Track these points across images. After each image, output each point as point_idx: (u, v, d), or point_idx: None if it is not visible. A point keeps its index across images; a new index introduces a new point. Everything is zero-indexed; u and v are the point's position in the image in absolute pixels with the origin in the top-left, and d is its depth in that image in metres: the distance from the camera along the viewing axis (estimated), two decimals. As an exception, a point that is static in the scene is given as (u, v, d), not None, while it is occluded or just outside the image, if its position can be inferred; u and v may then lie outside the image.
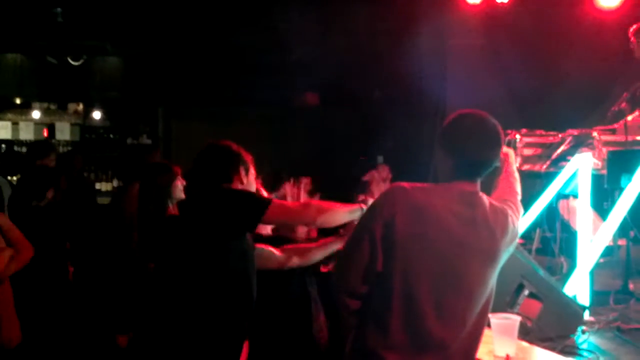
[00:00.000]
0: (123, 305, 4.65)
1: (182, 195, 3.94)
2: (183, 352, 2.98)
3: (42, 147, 6.98)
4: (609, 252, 4.58)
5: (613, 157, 4.46)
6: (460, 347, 2.32)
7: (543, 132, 4.95)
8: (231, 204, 3.04)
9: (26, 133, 9.91)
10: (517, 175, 2.75)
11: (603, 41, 6.80)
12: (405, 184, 2.35)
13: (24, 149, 9.82)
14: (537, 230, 4.90)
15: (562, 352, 3.16)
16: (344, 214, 3.17)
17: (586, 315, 3.70)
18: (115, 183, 9.65)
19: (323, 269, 3.82)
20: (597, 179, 4.39)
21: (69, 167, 7.06)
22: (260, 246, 3.35)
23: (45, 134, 10.04)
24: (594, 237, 4.09)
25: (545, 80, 7.32)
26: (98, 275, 5.67)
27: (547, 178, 4.62)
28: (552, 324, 3.42)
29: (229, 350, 3.07)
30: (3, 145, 9.94)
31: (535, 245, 4.95)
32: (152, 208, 3.94)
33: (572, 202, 4.73)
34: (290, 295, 3.62)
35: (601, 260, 4.24)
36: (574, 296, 3.82)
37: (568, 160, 4.47)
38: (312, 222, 3.23)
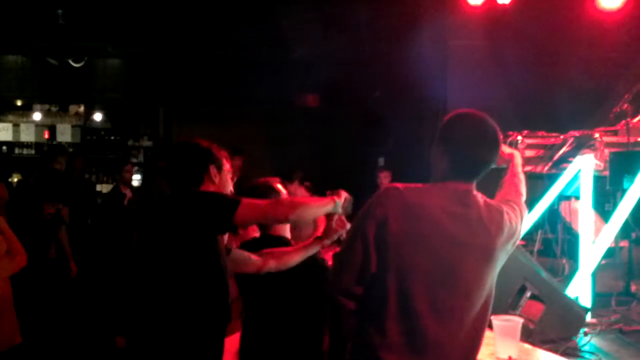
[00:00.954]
0: (121, 307, 4.66)
1: None
2: (159, 353, 2.96)
3: (52, 150, 7.01)
4: (611, 253, 4.57)
5: (615, 159, 4.45)
6: (459, 347, 2.31)
7: (545, 134, 4.94)
8: (198, 207, 2.95)
9: (27, 135, 9.92)
10: (522, 176, 2.73)
11: (605, 42, 6.80)
12: (398, 185, 2.34)
13: (25, 151, 9.83)
14: (539, 232, 4.89)
15: (564, 354, 3.15)
16: (317, 208, 3.11)
17: (588, 317, 3.68)
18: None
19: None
20: (599, 181, 4.37)
21: (70, 169, 7.07)
22: (236, 250, 3.32)
23: (46, 135, 10.05)
24: (595, 239, 4.07)
25: (547, 81, 7.31)
26: (98, 276, 5.68)
27: (549, 179, 4.61)
28: (554, 325, 3.41)
29: (205, 353, 3.04)
30: (4, 147, 9.94)
31: (537, 246, 4.94)
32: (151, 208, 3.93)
33: (574, 203, 4.72)
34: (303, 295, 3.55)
35: (603, 262, 4.23)
36: (576, 298, 3.81)
37: (570, 162, 4.46)
38: (284, 218, 3.16)
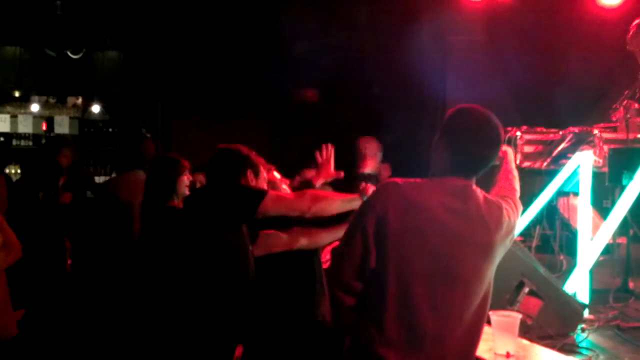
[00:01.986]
0: (124, 301, 4.65)
1: (187, 192, 3.93)
2: (181, 343, 2.99)
3: (56, 142, 6.96)
4: (608, 250, 4.57)
5: (614, 155, 4.45)
6: (457, 343, 2.32)
7: (544, 129, 4.93)
8: (226, 197, 3.09)
9: (25, 126, 9.89)
10: (515, 173, 2.74)
11: (604, 38, 6.79)
12: (397, 180, 2.35)
13: (22, 142, 9.81)
14: (537, 228, 4.89)
15: (562, 350, 3.16)
16: (341, 202, 3.18)
17: (586, 314, 3.69)
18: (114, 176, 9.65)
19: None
20: (597, 177, 4.37)
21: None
22: (263, 234, 3.36)
23: (44, 127, 10.02)
24: (594, 235, 4.07)
25: (546, 77, 7.31)
26: (97, 269, 5.66)
27: (547, 175, 4.61)
28: (552, 321, 3.41)
29: (225, 342, 3.07)
30: (2, 138, 9.92)
31: (535, 242, 4.94)
32: (156, 199, 3.90)
33: (573, 199, 4.72)
34: (292, 273, 3.58)
35: (601, 259, 4.23)
36: (574, 294, 3.81)
37: (569, 158, 4.45)
38: (307, 210, 3.23)
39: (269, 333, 3.47)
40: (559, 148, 4.70)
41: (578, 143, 4.58)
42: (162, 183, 3.88)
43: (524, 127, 4.89)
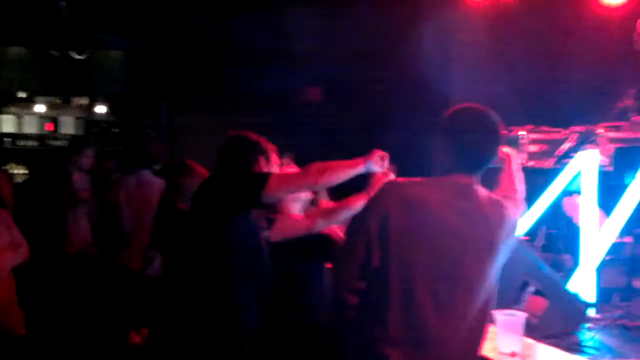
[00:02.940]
0: (137, 302, 4.67)
1: None
2: (196, 336, 2.99)
3: (78, 143, 6.87)
4: (614, 249, 4.56)
5: (620, 154, 4.44)
6: (461, 341, 2.32)
7: (549, 129, 4.92)
8: (230, 184, 3.08)
9: (30, 127, 9.92)
10: (520, 174, 2.73)
11: (608, 37, 6.77)
12: (399, 179, 2.36)
13: (28, 143, 9.83)
14: (543, 227, 4.88)
15: (568, 349, 3.15)
16: (347, 170, 3.15)
17: (591, 313, 3.68)
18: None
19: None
20: (602, 176, 4.36)
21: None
22: (280, 219, 3.37)
23: (50, 127, 10.05)
24: (599, 234, 4.06)
25: (550, 75, 7.30)
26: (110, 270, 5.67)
27: (552, 174, 4.60)
28: (557, 321, 3.41)
29: (239, 334, 3.07)
30: (7, 139, 9.94)
31: (540, 242, 4.93)
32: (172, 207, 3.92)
33: (578, 199, 4.71)
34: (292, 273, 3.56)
35: (606, 258, 4.22)
36: (579, 293, 3.80)
37: (573, 157, 4.44)
38: (315, 184, 3.23)
39: (270, 331, 3.47)
40: (564, 147, 4.69)
41: (583, 142, 4.57)
42: (180, 193, 3.91)
43: (529, 126, 4.88)
